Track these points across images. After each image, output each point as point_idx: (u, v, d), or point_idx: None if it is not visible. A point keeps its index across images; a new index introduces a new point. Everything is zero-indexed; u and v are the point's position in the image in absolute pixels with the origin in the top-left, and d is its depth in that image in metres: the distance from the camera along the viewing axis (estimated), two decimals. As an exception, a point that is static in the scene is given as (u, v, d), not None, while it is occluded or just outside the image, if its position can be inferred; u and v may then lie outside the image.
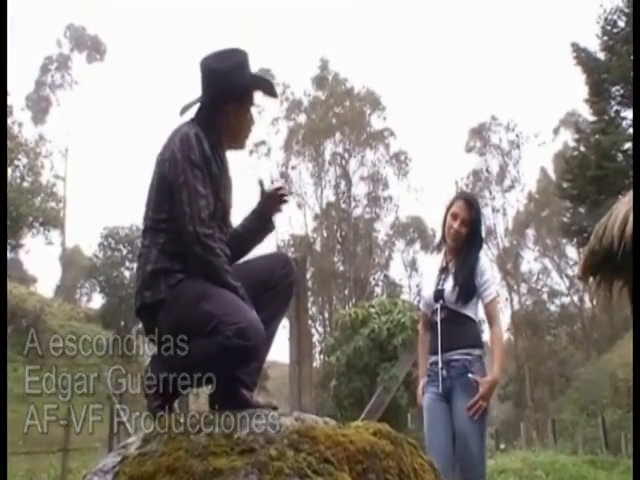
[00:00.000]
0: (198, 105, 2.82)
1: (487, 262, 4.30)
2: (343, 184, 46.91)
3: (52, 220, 34.69)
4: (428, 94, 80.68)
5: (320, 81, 48.19)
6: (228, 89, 2.76)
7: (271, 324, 2.65)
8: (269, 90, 2.90)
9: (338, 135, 46.99)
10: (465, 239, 4.16)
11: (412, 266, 46.81)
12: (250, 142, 2.96)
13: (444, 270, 4.20)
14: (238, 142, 2.90)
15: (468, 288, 4.07)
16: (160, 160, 2.69)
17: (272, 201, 2.90)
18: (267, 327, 2.54)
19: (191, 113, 2.84)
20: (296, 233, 46.02)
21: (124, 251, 32.72)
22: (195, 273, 2.58)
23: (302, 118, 47.70)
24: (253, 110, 2.90)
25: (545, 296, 48.05)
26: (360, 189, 47.23)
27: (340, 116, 46.58)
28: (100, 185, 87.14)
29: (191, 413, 2.38)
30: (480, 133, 49.77)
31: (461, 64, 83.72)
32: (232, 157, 2.90)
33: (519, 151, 48.56)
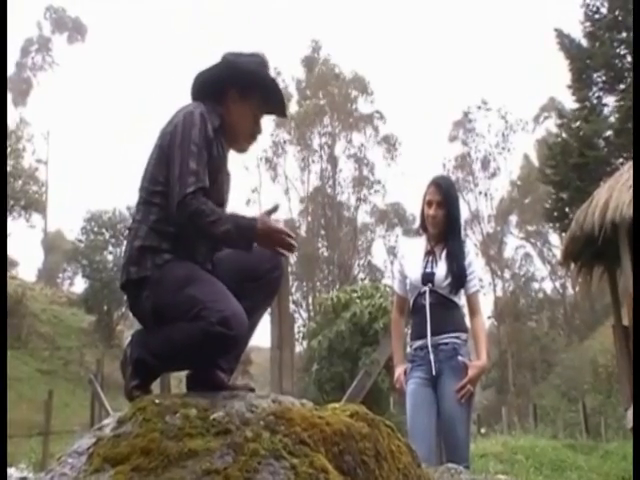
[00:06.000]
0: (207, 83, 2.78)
1: (473, 253, 4.33)
2: (329, 168, 46.85)
3: (34, 204, 34.55)
4: (415, 80, 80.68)
5: (310, 62, 48.02)
6: (234, 69, 2.73)
7: (252, 314, 2.60)
8: (277, 98, 2.83)
9: (326, 119, 46.87)
10: (444, 221, 4.16)
11: (393, 252, 46.85)
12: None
13: (430, 253, 4.18)
14: (236, 140, 2.80)
15: (461, 278, 4.08)
16: (162, 133, 2.66)
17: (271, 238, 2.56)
18: (248, 317, 2.49)
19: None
20: (281, 218, 45.97)
21: (107, 235, 32.58)
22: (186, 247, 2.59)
23: (292, 104, 47.56)
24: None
25: (528, 282, 48.31)
26: (345, 173, 47.24)
27: (328, 99, 46.45)
28: (82, 169, 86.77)
29: (166, 394, 2.36)
30: (463, 122, 49.78)
31: (444, 51, 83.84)
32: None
33: (504, 138, 48.62)
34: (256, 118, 2.81)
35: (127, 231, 2.71)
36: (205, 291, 2.45)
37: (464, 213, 40.57)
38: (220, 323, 2.36)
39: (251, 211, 45.60)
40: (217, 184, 2.65)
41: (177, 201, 2.48)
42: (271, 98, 2.82)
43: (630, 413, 9.14)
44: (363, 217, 47.82)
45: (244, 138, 2.83)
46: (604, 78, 22.31)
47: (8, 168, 29.89)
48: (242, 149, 2.86)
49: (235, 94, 2.75)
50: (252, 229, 2.50)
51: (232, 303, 2.44)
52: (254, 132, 2.84)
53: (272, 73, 2.81)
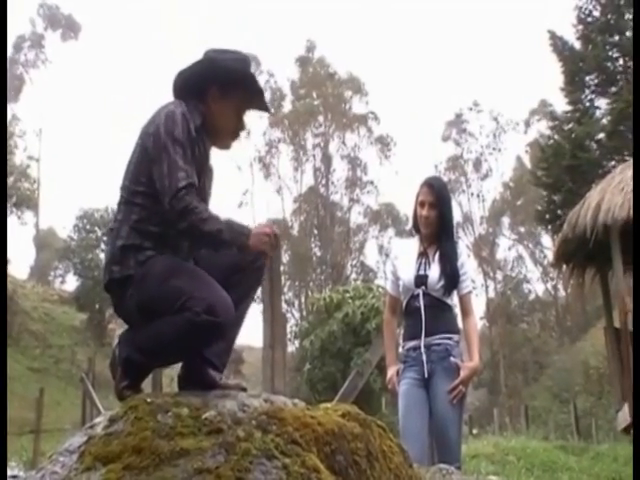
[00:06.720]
0: (189, 81, 2.76)
1: (465, 254, 4.32)
2: (322, 168, 46.81)
3: (26, 201, 34.47)
4: (409, 81, 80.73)
5: (304, 62, 47.97)
6: (214, 66, 2.72)
7: (239, 306, 2.60)
8: (258, 94, 2.81)
9: (319, 118, 46.82)
10: (437, 222, 4.16)
11: (385, 252, 46.80)
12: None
13: (423, 255, 4.18)
14: (219, 137, 2.79)
15: (454, 279, 4.08)
16: (144, 133, 2.65)
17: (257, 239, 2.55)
18: (236, 308, 2.50)
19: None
20: (273, 217, 45.92)
21: (99, 233, 32.52)
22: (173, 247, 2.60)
23: (286, 104, 47.50)
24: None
25: (520, 284, 48.36)
26: (339, 174, 47.21)
27: (322, 99, 46.40)
28: (75, 166, 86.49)
29: (158, 393, 2.36)
30: (457, 123, 49.83)
31: (438, 52, 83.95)
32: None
33: (496, 139, 48.68)
34: (238, 115, 2.81)
35: (109, 231, 2.70)
36: (189, 281, 2.45)
37: (456, 214, 40.61)
38: (206, 311, 2.36)
39: (243, 212, 45.46)
40: (199, 182, 2.64)
41: (169, 196, 2.48)
42: (252, 95, 2.81)
43: (621, 415, 9.18)
44: (356, 217, 47.85)
45: (227, 135, 2.83)
46: (596, 81, 22.33)
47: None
48: (225, 146, 2.86)
49: (216, 92, 2.73)
50: (246, 235, 2.52)
51: (217, 290, 2.44)
52: (237, 129, 2.84)
53: (256, 70, 2.81)
